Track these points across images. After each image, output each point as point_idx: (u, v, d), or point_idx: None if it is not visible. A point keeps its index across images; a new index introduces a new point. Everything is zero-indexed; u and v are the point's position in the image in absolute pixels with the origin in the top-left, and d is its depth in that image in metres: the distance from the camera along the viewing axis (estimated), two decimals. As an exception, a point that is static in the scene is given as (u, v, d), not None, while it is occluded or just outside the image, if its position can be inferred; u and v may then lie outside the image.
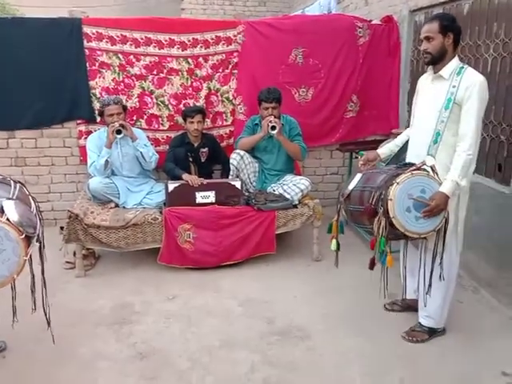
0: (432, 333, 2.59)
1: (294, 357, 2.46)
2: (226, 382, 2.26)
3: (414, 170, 2.33)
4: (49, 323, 2.27)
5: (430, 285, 2.46)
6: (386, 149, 2.85)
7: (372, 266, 2.52)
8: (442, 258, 2.40)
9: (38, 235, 2.12)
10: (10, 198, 2.04)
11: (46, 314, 2.25)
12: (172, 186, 3.34)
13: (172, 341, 2.59)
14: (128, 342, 2.58)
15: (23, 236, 1.97)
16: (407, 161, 2.59)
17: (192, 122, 3.62)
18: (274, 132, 3.40)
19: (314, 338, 2.63)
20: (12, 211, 1.97)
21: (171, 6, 11.29)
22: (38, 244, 2.14)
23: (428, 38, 2.35)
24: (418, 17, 3.99)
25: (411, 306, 2.82)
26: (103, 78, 3.93)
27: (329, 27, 4.11)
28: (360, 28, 4.14)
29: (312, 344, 2.58)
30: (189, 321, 2.80)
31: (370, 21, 4.31)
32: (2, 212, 1.96)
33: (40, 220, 2.16)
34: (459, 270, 2.65)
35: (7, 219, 1.94)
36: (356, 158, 4.03)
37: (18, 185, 2.20)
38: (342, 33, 4.11)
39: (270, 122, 3.40)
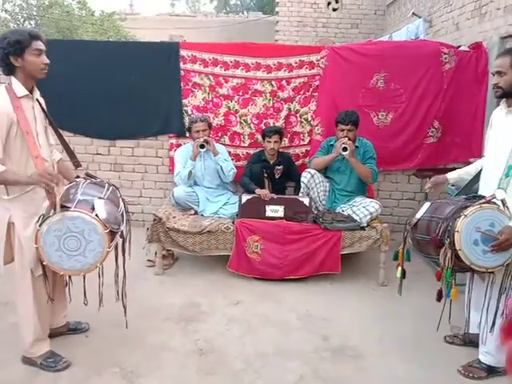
0: (491, 371, 2.50)
1: (344, 374, 2.53)
2: (275, 387, 2.40)
3: (484, 202, 2.31)
4: (125, 311, 2.57)
5: (493, 322, 2.40)
6: (456, 173, 2.84)
7: (439, 297, 2.53)
8: (508, 294, 2.33)
9: (122, 232, 2.44)
10: (101, 198, 2.38)
11: (123, 302, 2.56)
12: (245, 198, 3.59)
13: (231, 342, 2.79)
14: (191, 338, 2.83)
15: (108, 231, 2.27)
16: (480, 192, 2.56)
17: (269, 142, 3.85)
18: (346, 153, 3.50)
19: (366, 359, 2.67)
20: (101, 209, 2.29)
21: (267, 28, 11.86)
22: (121, 240, 2.46)
23: (500, 73, 2.34)
24: (509, 44, 3.85)
25: (473, 342, 2.73)
26: (195, 96, 4.33)
27: (413, 53, 4.11)
28: (446, 54, 4.08)
29: (363, 365, 2.62)
30: (248, 326, 2.98)
31: (458, 47, 4.22)
32: (93, 209, 2.30)
33: (126, 219, 2.48)
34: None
35: (96, 215, 2.27)
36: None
37: (111, 187, 2.55)
38: (426, 58, 4.08)
39: (343, 143, 3.51)
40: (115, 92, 4.33)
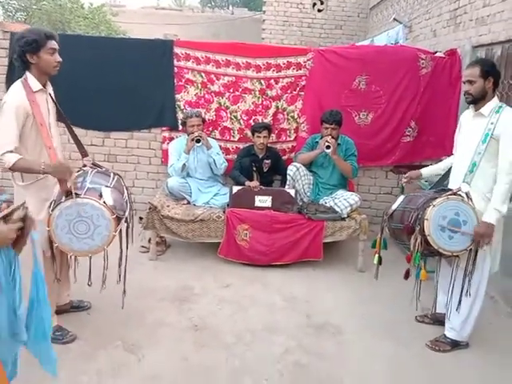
0: (455, 345, 2.83)
1: (325, 348, 2.82)
2: (263, 359, 2.67)
3: (450, 194, 2.63)
4: (124, 292, 2.79)
5: (459, 302, 2.72)
6: (429, 169, 3.18)
7: (406, 276, 2.86)
8: (471, 276, 2.65)
9: (127, 218, 2.67)
10: (108, 186, 2.61)
11: (124, 283, 2.78)
12: (236, 189, 3.86)
13: (222, 320, 3.06)
14: (186, 316, 3.08)
15: (114, 216, 2.49)
16: (449, 186, 2.88)
17: (259, 137, 4.12)
18: (329, 151, 3.79)
19: (345, 335, 2.97)
20: (108, 196, 2.51)
21: (253, 25, 12.09)
22: (125, 224, 2.69)
23: (470, 82, 2.63)
24: (480, 53, 4.20)
25: (440, 321, 3.05)
26: (187, 92, 4.56)
27: (392, 57, 4.43)
28: (423, 59, 4.41)
29: (343, 339, 2.92)
30: (238, 306, 3.25)
31: (434, 53, 4.56)
32: (101, 196, 2.51)
33: (130, 206, 2.72)
34: (496, 294, 2.86)
35: (104, 202, 2.48)
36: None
37: (116, 177, 2.78)
38: (404, 63, 4.41)
39: (327, 141, 3.80)
40: (111, 86, 4.51)
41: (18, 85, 2.52)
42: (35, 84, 2.53)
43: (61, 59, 2.58)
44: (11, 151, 2.39)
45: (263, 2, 9.75)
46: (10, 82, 4.61)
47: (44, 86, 2.59)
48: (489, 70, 2.61)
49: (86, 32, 10.57)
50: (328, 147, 3.78)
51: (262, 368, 2.58)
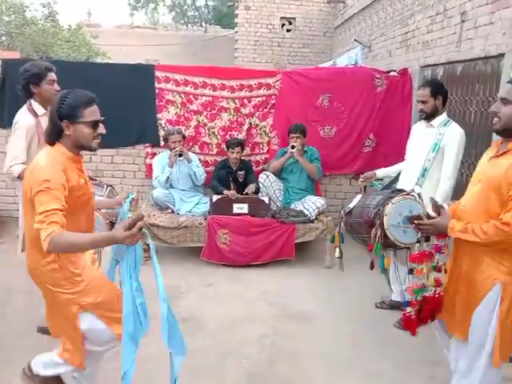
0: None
1: (298, 331, 3.26)
2: (244, 341, 3.10)
3: (406, 194, 3.12)
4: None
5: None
6: (383, 171, 3.69)
7: (372, 266, 3.30)
8: None
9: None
10: (101, 195, 3.02)
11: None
12: (215, 197, 4.31)
13: (206, 313, 3.47)
14: (174, 311, 3.41)
15: (108, 221, 2.88)
16: (398, 187, 3.39)
17: (233, 152, 4.58)
18: (293, 150, 4.34)
19: (316, 321, 3.43)
20: None
21: (226, 42, 12.66)
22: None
23: (423, 102, 3.13)
24: (427, 72, 4.79)
25: (396, 306, 3.52)
26: (168, 112, 5.00)
27: (351, 78, 5.00)
28: (378, 79, 4.98)
29: (314, 324, 3.38)
30: (221, 301, 3.67)
31: (388, 72, 5.14)
32: None
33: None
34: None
35: (98, 209, 2.87)
36: (371, 186, 4.81)
37: (109, 187, 3.19)
38: (361, 82, 4.97)
39: (292, 142, 4.37)
40: (98, 107, 4.88)
41: (24, 110, 2.93)
42: (39, 109, 2.94)
43: (59, 88, 3.00)
44: (19, 164, 2.80)
45: (235, 23, 10.32)
46: (1, 104, 4.98)
47: (46, 110, 3.00)
48: (437, 90, 3.10)
49: (68, 54, 10.99)
50: (293, 147, 4.33)
51: (243, 350, 3.01)
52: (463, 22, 4.00)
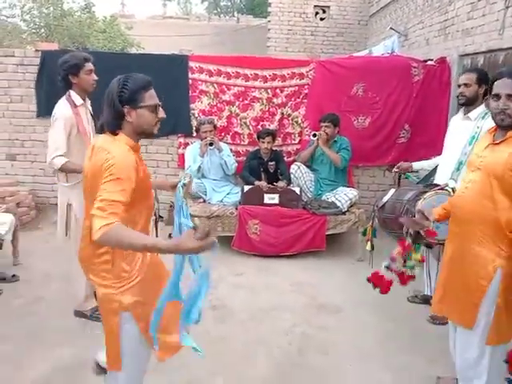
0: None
1: (326, 322, 3.26)
2: (274, 331, 3.12)
3: (439, 189, 3.04)
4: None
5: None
6: (419, 163, 3.61)
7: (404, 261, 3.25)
8: None
9: (155, 211, 3.13)
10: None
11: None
12: (247, 188, 4.33)
13: (237, 301, 3.51)
14: (206, 299, 3.51)
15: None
16: (435, 182, 3.31)
17: (263, 142, 4.58)
18: (314, 139, 4.31)
19: (344, 312, 3.41)
20: None
21: (259, 32, 12.59)
22: (154, 217, 3.15)
23: (466, 85, 3.01)
24: (466, 61, 4.63)
25: (428, 301, 3.46)
26: (201, 102, 5.03)
27: (387, 66, 4.88)
28: (415, 68, 4.85)
29: (342, 316, 3.36)
30: (251, 290, 3.70)
31: (426, 61, 4.99)
32: None
33: (157, 201, 3.17)
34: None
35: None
36: (405, 178, 4.71)
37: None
38: (398, 72, 4.85)
39: (314, 133, 4.35)
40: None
41: (63, 101, 3.00)
42: (77, 99, 3.02)
43: (96, 78, 3.07)
44: (61, 155, 2.88)
45: (268, 12, 10.24)
46: (38, 94, 5.15)
47: (84, 100, 3.07)
48: (483, 78, 2.99)
49: (104, 45, 11.26)
50: (314, 135, 4.29)
51: (274, 339, 3.03)
52: (507, 8, 3.83)
